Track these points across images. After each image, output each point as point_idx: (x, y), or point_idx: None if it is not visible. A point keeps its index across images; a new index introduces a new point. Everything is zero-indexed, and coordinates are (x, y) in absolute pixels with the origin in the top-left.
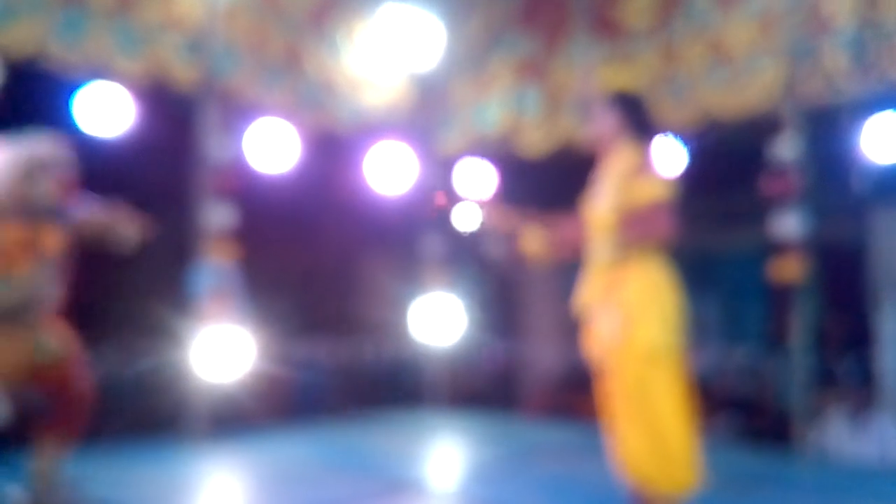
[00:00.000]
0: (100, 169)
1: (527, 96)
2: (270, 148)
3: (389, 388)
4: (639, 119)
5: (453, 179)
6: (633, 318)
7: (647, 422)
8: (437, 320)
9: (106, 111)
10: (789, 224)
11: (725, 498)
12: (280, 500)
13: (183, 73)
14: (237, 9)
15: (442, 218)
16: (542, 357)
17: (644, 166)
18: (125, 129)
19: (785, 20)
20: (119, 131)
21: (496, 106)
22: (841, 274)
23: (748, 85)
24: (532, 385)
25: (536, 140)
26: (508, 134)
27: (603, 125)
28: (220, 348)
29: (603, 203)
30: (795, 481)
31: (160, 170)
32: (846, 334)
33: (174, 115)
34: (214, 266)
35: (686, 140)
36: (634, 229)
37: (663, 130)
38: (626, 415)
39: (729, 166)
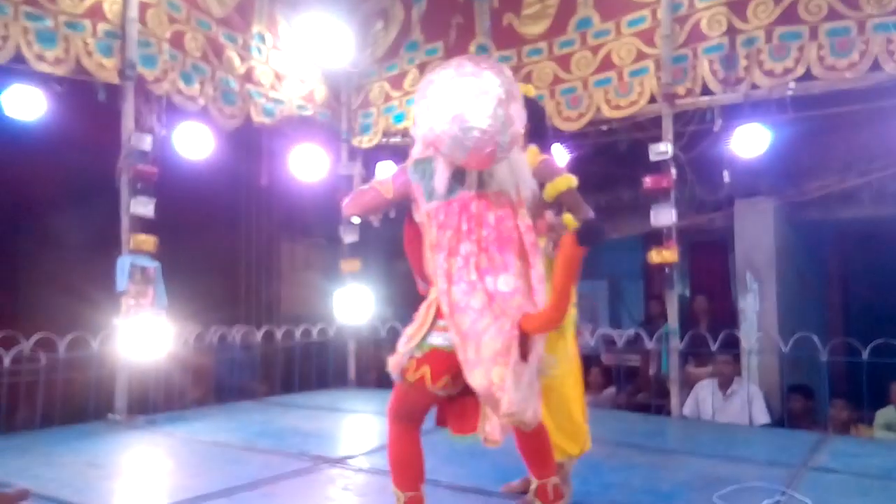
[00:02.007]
0: (20, 160)
1: None
2: (190, 139)
3: (308, 371)
4: (535, 125)
5: (368, 171)
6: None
7: (548, 390)
8: (353, 304)
9: (23, 101)
10: (665, 216)
11: (614, 462)
12: (201, 479)
13: (101, 64)
14: (156, 1)
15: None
16: None
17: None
18: (42, 118)
19: (662, 31)
20: (36, 119)
21: (405, 104)
22: (711, 260)
23: (631, 90)
24: None
25: None
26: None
27: None
28: (142, 335)
29: None
30: (672, 445)
31: (80, 161)
32: (715, 313)
33: (93, 107)
34: (136, 255)
35: (577, 141)
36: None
37: (557, 136)
38: None
39: (615, 165)
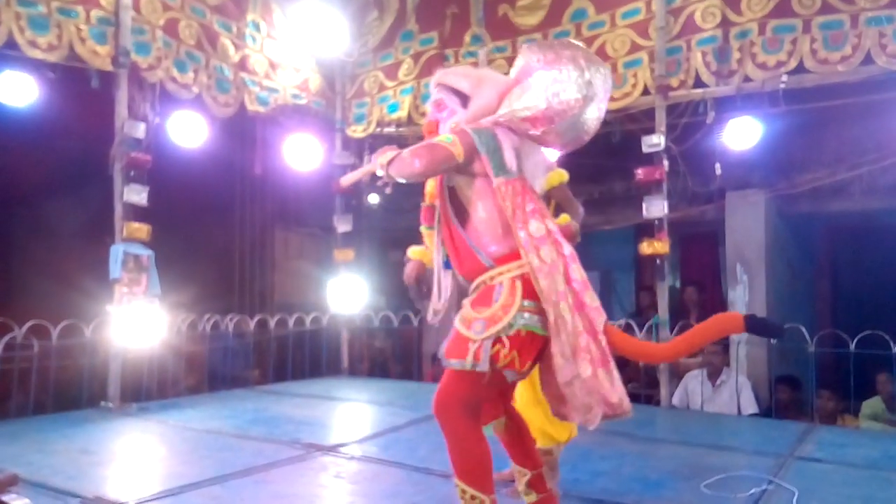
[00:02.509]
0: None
1: (426, 85)
2: (184, 127)
3: (301, 359)
4: None
5: (362, 161)
6: None
7: (534, 383)
8: (347, 293)
9: (16, 87)
10: (657, 207)
11: (604, 450)
12: (193, 467)
13: (95, 51)
14: None
15: (350, 197)
16: (442, 326)
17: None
18: (34, 105)
19: (656, 23)
20: (28, 106)
21: (399, 94)
22: (702, 252)
23: (625, 82)
24: (432, 353)
25: None
26: (410, 120)
27: None
28: (135, 323)
29: None
30: (662, 434)
31: (73, 148)
32: (705, 304)
33: (86, 94)
34: (129, 243)
35: None
36: None
37: None
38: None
39: (608, 156)
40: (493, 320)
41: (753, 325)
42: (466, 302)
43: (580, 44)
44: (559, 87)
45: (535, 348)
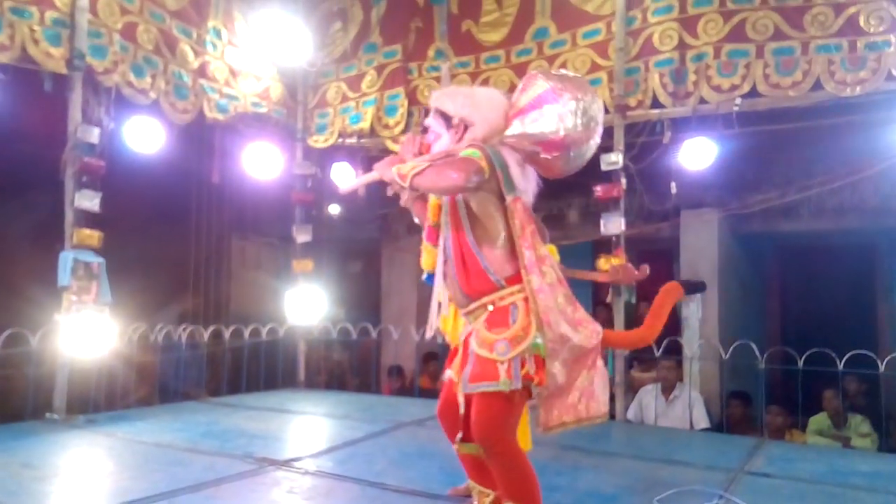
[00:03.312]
0: None
1: (389, 98)
2: (140, 133)
3: (256, 371)
4: None
5: (322, 171)
6: None
7: None
8: (305, 304)
9: None
10: (615, 224)
11: (559, 464)
12: (142, 482)
13: (48, 53)
14: None
15: (309, 207)
16: (401, 339)
17: None
18: None
19: (616, 44)
20: None
21: (362, 105)
22: (658, 268)
23: None
24: (390, 365)
25: (398, 137)
26: (373, 131)
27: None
28: (84, 332)
29: None
30: (616, 448)
31: (24, 151)
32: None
33: (39, 96)
34: (80, 250)
35: None
36: None
37: None
38: None
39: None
40: (516, 340)
41: (687, 286)
42: (479, 325)
43: (580, 76)
44: (577, 119)
45: (542, 366)
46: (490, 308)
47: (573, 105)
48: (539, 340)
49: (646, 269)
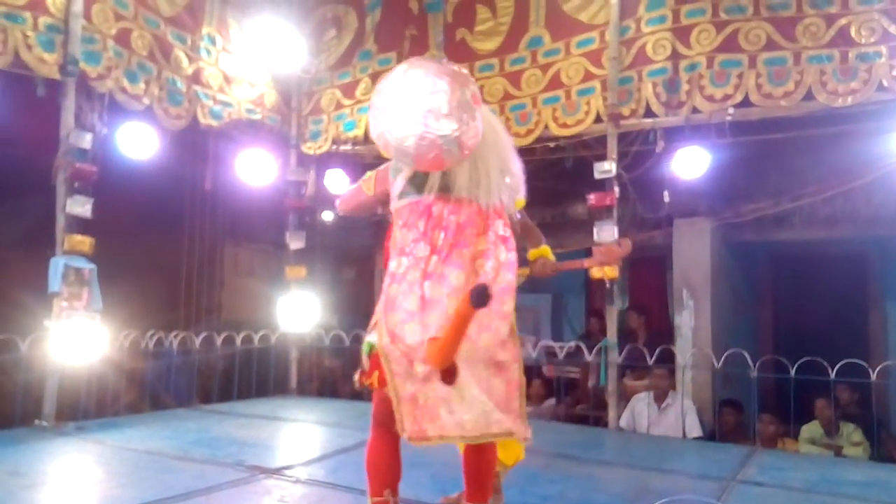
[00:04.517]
0: None
1: None
2: (134, 139)
3: (248, 378)
4: None
5: (316, 177)
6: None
7: None
8: (297, 311)
9: None
10: (608, 232)
11: (551, 473)
12: (131, 490)
13: (42, 58)
14: None
15: (303, 213)
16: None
17: None
18: None
19: (610, 53)
20: None
21: (356, 112)
22: (651, 277)
23: (578, 109)
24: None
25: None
26: (367, 139)
27: None
28: (75, 339)
29: None
30: (609, 456)
31: (15, 156)
32: (652, 328)
33: (32, 102)
34: (71, 256)
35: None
36: None
37: None
38: None
39: (561, 181)
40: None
41: (474, 298)
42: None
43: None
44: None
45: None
46: None
47: (374, 99)
48: (372, 340)
49: (628, 242)
